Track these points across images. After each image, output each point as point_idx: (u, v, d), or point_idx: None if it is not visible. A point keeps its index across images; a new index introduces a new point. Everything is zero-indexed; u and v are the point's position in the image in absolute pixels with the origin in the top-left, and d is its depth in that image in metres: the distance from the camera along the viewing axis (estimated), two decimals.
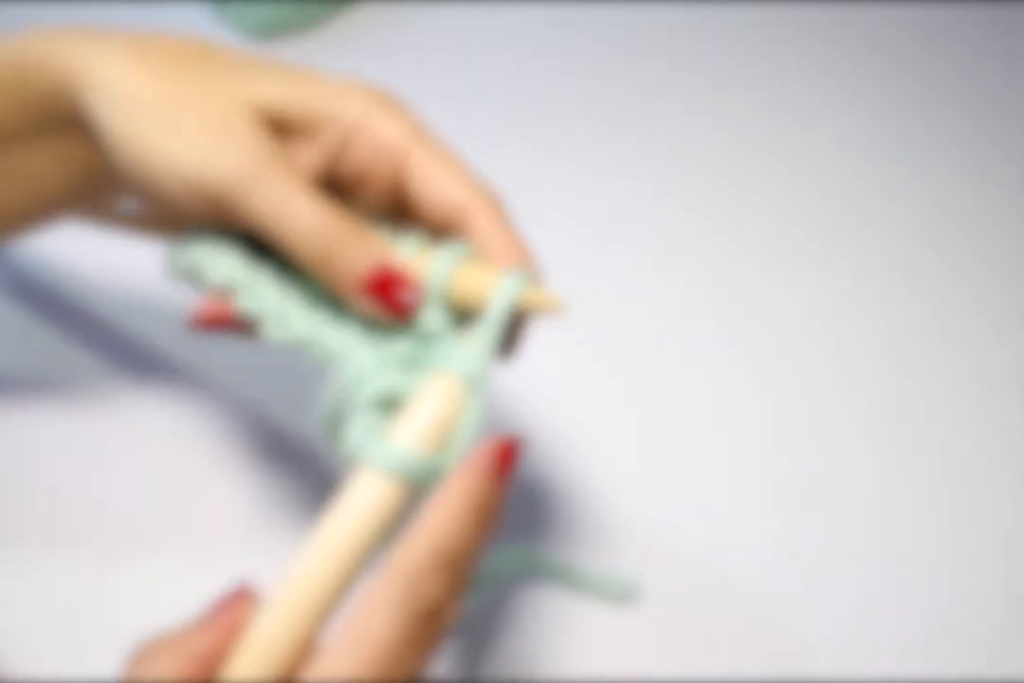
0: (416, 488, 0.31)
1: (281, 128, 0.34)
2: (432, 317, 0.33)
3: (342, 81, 0.35)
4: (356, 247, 0.33)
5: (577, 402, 0.49)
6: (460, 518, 0.30)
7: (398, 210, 0.36)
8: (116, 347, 0.49)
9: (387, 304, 0.33)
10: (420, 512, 0.30)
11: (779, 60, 0.63)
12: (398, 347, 0.33)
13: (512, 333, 0.35)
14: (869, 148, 0.59)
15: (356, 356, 0.33)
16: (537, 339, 0.46)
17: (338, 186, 0.36)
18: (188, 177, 0.33)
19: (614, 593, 0.43)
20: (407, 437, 0.31)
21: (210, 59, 0.35)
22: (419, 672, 0.29)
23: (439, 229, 0.35)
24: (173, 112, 0.33)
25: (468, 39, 0.62)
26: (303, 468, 0.45)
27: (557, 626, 0.43)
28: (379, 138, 0.35)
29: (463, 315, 0.33)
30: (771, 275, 0.54)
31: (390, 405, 0.32)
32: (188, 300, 0.36)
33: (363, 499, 0.31)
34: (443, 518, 0.30)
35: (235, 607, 0.30)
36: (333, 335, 0.33)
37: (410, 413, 0.32)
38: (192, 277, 0.36)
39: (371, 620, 0.28)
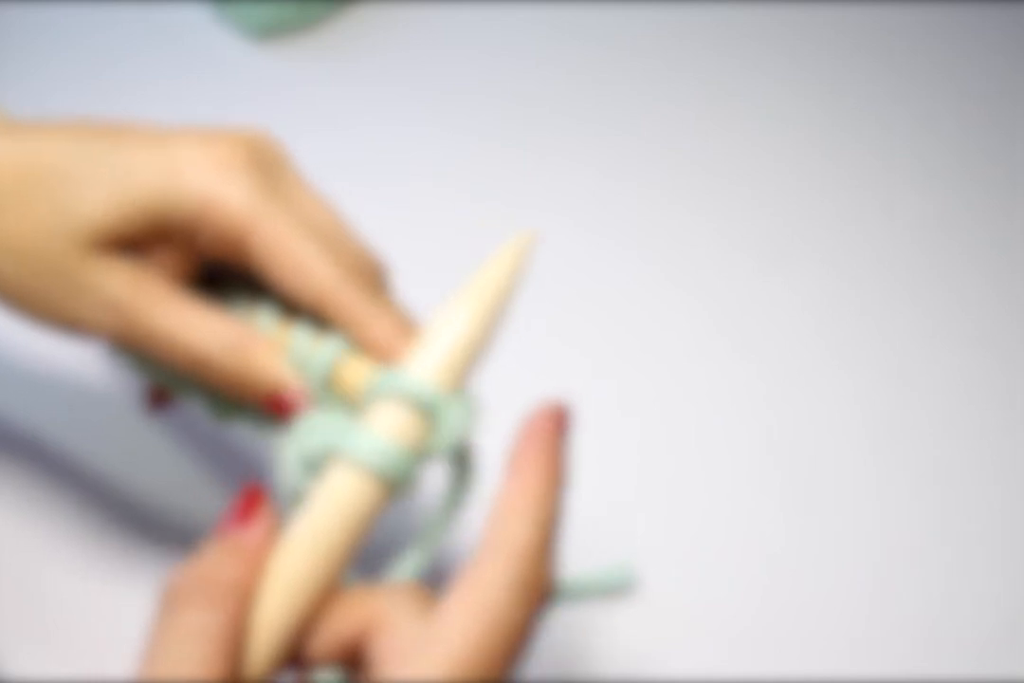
0: (392, 491, 0.29)
1: (132, 241, 0.32)
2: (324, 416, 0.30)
3: (193, 141, 0.32)
4: (254, 372, 0.31)
5: (575, 402, 0.49)
6: (548, 487, 0.28)
7: None
8: None
9: (285, 414, 0.31)
10: (500, 488, 0.28)
11: (778, 61, 0.63)
12: None
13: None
14: (868, 149, 0.59)
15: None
16: (533, 339, 0.46)
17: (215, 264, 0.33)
18: (72, 333, 0.33)
19: (615, 589, 0.44)
20: (386, 428, 0.28)
21: (43, 183, 0.31)
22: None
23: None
24: (22, 279, 0.32)
25: (468, 39, 0.62)
26: None
27: (556, 626, 0.43)
28: (223, 216, 0.31)
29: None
30: (769, 275, 0.54)
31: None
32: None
33: (340, 498, 0.28)
34: (535, 489, 0.28)
35: (253, 519, 0.28)
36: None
37: (379, 410, 0.29)
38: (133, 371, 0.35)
39: (494, 602, 0.27)
